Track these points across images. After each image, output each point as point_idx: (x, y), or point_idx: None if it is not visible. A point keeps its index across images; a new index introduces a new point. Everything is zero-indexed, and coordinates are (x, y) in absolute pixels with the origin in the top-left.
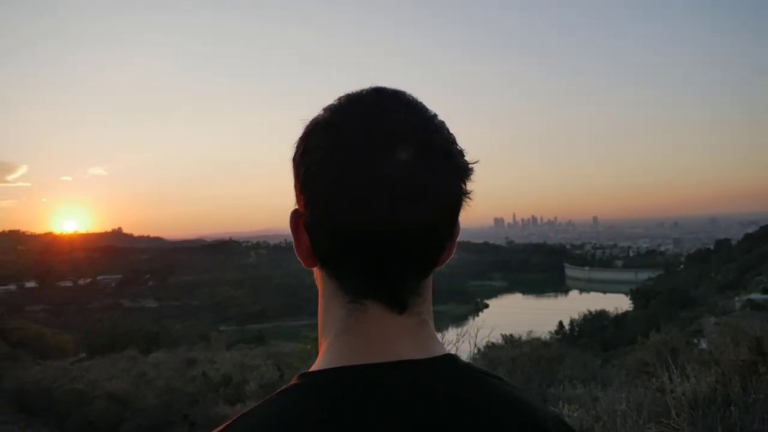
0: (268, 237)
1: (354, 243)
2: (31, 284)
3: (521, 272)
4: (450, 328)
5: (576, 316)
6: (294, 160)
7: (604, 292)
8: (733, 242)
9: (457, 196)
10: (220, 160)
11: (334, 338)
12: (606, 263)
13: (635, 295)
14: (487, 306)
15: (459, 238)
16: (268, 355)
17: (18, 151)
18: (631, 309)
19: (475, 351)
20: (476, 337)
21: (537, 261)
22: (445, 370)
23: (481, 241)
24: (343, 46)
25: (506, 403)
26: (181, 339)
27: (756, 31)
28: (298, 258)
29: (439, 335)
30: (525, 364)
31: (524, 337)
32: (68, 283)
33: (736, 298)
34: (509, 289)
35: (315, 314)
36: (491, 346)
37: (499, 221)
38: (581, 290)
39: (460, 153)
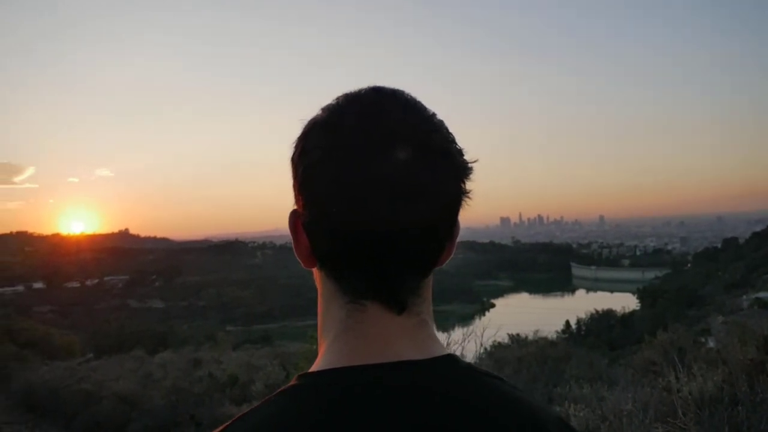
0: (275, 237)
1: (352, 243)
2: (38, 285)
3: (528, 272)
4: (456, 328)
5: (583, 316)
6: (292, 160)
7: (611, 291)
8: (741, 241)
9: (457, 195)
10: (226, 161)
11: (334, 339)
12: (613, 262)
13: (642, 294)
14: (493, 305)
15: (465, 238)
16: (275, 356)
17: (25, 152)
18: (638, 308)
19: (482, 350)
20: (482, 336)
21: (543, 260)
22: (445, 371)
23: (487, 240)
24: (344, 46)
25: (506, 404)
26: (188, 339)
27: (758, 31)
28: (298, 258)
29: (445, 335)
30: (531, 363)
31: (531, 337)
32: (75, 284)
33: (744, 297)
34: (515, 289)
35: None
36: (498, 346)
37: (505, 220)
38: (588, 289)
39: (460, 152)
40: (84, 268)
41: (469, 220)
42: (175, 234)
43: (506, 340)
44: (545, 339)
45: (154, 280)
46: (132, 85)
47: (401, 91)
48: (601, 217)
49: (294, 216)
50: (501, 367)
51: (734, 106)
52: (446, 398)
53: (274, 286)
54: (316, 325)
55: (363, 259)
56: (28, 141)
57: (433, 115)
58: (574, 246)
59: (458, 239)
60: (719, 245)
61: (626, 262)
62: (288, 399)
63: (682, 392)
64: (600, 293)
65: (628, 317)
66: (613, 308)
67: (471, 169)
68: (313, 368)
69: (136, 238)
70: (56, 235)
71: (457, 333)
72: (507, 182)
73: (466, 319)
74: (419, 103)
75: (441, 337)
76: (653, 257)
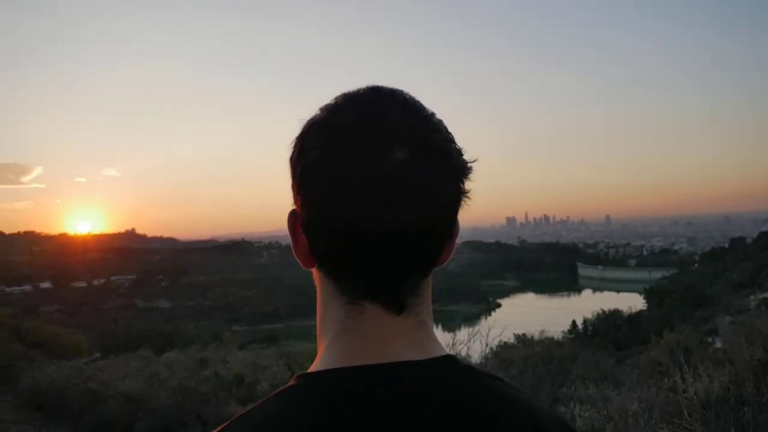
0: (281, 237)
1: (351, 243)
2: (46, 285)
3: (534, 272)
4: (462, 328)
5: (589, 316)
6: (291, 160)
7: (618, 291)
8: (748, 240)
9: (456, 195)
10: (232, 161)
11: (332, 339)
12: (619, 262)
13: (649, 294)
14: (499, 305)
15: (471, 238)
16: (280, 355)
17: (32, 152)
18: (645, 308)
19: (487, 350)
20: (488, 336)
21: (549, 260)
22: (444, 372)
23: (493, 240)
24: (344, 46)
25: (506, 404)
26: (194, 339)
27: (759, 30)
28: (296, 258)
29: (450, 335)
30: (537, 363)
31: (537, 337)
32: (82, 284)
33: (752, 297)
34: (522, 289)
35: None
36: (503, 346)
37: (511, 220)
38: (594, 289)
39: (459, 152)
40: (91, 267)
41: (474, 220)
42: (181, 234)
43: (512, 340)
44: (551, 339)
45: (160, 280)
46: (137, 86)
47: (400, 90)
48: (608, 217)
49: (293, 216)
50: (507, 367)
51: (744, 105)
52: (446, 399)
53: (280, 285)
54: None
55: (361, 259)
56: (36, 141)
57: (432, 114)
58: (581, 246)
59: (464, 239)
60: (726, 245)
61: (633, 261)
62: (287, 399)
63: (687, 393)
64: (606, 293)
65: (635, 317)
66: (620, 308)
67: (470, 168)
68: (312, 368)
69: (142, 237)
70: (63, 235)
71: (463, 333)
72: (513, 182)
73: (472, 319)
74: (418, 102)
75: (447, 337)
76: (660, 257)
